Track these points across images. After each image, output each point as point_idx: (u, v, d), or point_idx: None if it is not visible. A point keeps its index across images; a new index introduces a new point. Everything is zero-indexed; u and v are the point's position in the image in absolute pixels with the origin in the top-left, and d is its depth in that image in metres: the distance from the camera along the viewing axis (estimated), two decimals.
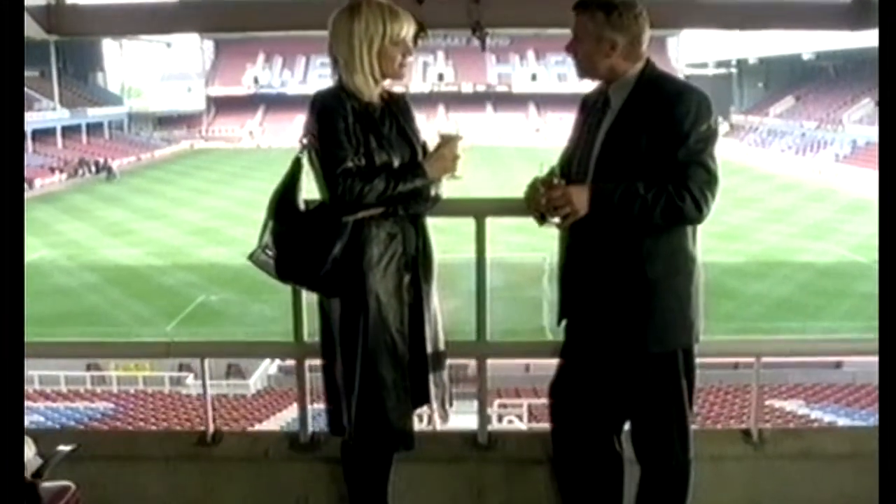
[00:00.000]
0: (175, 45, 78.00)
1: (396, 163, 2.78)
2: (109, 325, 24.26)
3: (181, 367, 20.93)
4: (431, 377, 2.99)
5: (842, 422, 15.97)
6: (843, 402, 18.42)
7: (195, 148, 74.54)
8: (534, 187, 2.78)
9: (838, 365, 20.87)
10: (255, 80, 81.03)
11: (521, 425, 13.70)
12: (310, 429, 3.47)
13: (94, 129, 69.07)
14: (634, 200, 2.62)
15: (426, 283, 2.95)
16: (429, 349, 2.96)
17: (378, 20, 2.73)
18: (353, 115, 2.74)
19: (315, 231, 2.77)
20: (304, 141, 2.80)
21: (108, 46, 77.05)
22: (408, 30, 2.79)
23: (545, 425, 3.09)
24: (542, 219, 2.78)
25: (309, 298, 3.17)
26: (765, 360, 3.54)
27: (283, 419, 17.89)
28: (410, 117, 2.93)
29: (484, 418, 3.50)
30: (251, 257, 2.86)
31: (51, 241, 34.81)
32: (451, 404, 3.09)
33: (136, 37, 60.60)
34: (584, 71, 2.80)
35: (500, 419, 15.01)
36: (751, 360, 3.50)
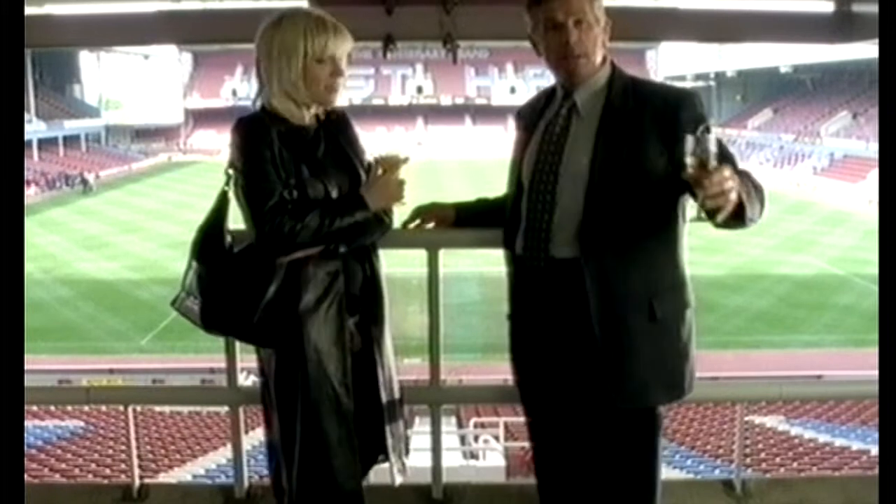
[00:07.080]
0: (153, 57, 77.56)
1: (334, 193, 2.44)
2: (83, 339, 23.96)
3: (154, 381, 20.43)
4: (388, 429, 2.66)
5: (822, 438, 15.75)
6: (823, 418, 18.23)
7: (173, 160, 73.83)
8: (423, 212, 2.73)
9: (819, 377, 20.80)
10: (234, 93, 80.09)
11: (498, 446, 13.42)
12: (246, 481, 3.13)
13: (71, 141, 68.48)
14: (759, 196, 2.28)
15: (376, 324, 2.61)
16: (384, 398, 2.64)
17: (299, 34, 2.36)
18: (280, 140, 2.38)
19: (245, 273, 2.43)
20: (230, 172, 2.45)
21: (86, 58, 76.51)
22: (335, 46, 2.40)
23: (512, 481, 2.78)
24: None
25: None
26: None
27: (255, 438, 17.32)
28: (352, 138, 2.57)
29: (439, 469, 3.16)
30: (174, 304, 2.55)
31: (26, 254, 34.25)
32: (406, 453, 2.76)
33: (111, 49, 60.17)
34: (591, 67, 2.39)
35: (476, 439, 14.72)
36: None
